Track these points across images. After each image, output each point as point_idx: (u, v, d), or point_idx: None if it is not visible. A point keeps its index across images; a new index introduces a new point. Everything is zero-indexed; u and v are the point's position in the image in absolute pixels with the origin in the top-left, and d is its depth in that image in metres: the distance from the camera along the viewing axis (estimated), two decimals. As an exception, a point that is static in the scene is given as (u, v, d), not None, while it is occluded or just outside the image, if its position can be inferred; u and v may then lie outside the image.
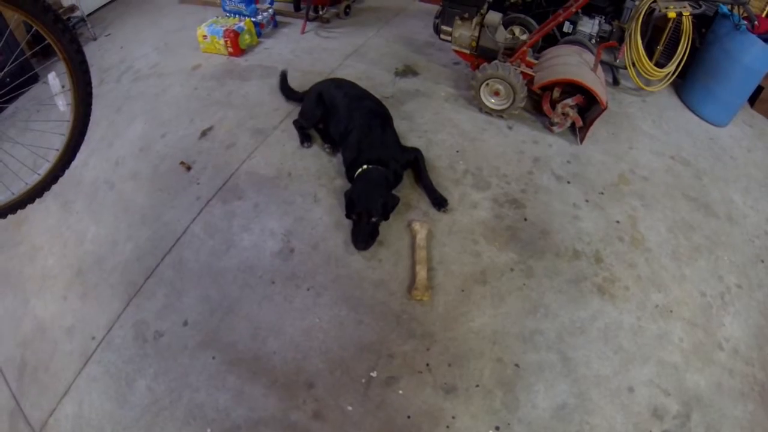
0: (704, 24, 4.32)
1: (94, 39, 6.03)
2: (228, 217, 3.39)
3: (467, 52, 4.12)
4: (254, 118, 4.18)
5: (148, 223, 3.47)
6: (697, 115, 4.38)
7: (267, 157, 3.79)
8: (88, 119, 2.46)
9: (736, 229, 3.41)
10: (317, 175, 3.61)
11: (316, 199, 3.45)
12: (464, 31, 4.02)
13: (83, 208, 3.71)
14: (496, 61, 3.82)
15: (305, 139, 3.85)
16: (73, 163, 3.73)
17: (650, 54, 4.38)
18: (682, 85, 4.56)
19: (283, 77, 4.37)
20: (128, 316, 3.05)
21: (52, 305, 3.20)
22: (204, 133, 4.10)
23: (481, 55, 4.03)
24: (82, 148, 4.00)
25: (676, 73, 4.33)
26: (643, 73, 4.26)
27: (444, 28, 4.09)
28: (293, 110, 4.17)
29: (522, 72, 3.84)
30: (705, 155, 3.93)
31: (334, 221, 3.30)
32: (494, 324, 2.81)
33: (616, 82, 4.62)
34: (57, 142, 2.67)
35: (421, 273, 2.94)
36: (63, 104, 2.31)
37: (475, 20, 3.96)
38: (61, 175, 2.68)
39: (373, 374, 2.66)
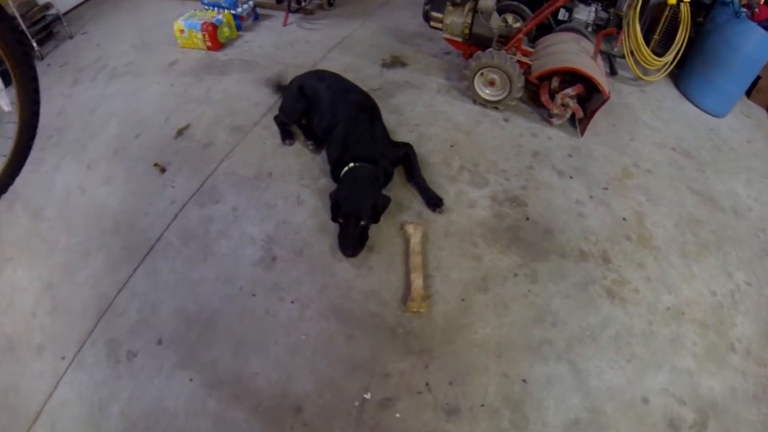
0: (698, 13, 4.15)
1: (71, 37, 5.75)
2: (205, 222, 3.08)
3: (459, 40, 3.85)
4: (233, 115, 3.87)
5: (121, 230, 3.17)
6: (696, 106, 4.21)
7: (246, 156, 3.49)
8: (37, 120, 2.12)
9: (741, 222, 3.24)
10: (300, 175, 3.31)
11: (299, 200, 3.13)
12: (456, 18, 3.74)
13: (54, 215, 3.40)
14: (490, 49, 3.52)
15: (287, 136, 3.53)
16: (44, 168, 3.68)
17: (647, 43, 4.15)
18: (679, 75, 4.40)
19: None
20: (99, 333, 2.73)
21: (21, 322, 2.88)
22: (180, 132, 3.80)
23: (475, 43, 3.76)
24: (52, 152, 3.87)
25: (675, 63, 4.16)
26: (642, 63, 4.07)
27: (434, 14, 3.80)
28: (274, 105, 3.91)
29: (518, 61, 3.54)
30: (706, 147, 3.78)
31: (318, 224, 2.98)
32: (498, 335, 2.55)
33: (613, 72, 4.40)
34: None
35: (417, 281, 2.63)
36: (6, 104, 1.99)
37: (467, 6, 3.69)
38: (10, 183, 2.31)
39: (367, 396, 2.37)
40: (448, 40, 3.93)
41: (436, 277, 2.73)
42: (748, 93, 4.37)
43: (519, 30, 3.62)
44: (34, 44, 5.21)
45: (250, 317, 2.65)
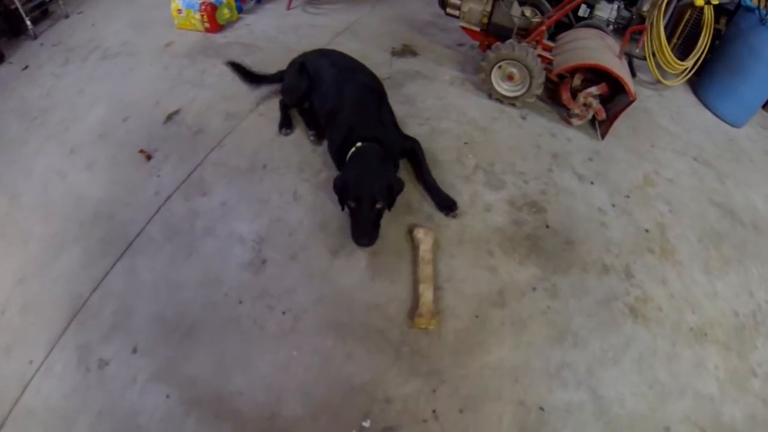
0: (717, 19, 3.92)
1: (66, 17, 5.52)
2: (190, 217, 2.77)
3: (477, 29, 3.55)
4: (227, 100, 3.56)
5: (101, 222, 2.88)
6: (714, 114, 3.99)
7: (239, 145, 3.19)
8: None
9: (762, 239, 3.05)
10: (299, 168, 3.00)
11: (296, 196, 2.81)
12: (475, 5, 3.46)
13: (31, 202, 3.14)
14: (511, 40, 3.19)
15: (285, 123, 3.24)
16: (26, 150, 3.50)
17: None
18: (697, 82, 4.15)
19: (238, 66, 3.67)
20: (70, 337, 2.46)
21: None
22: (170, 117, 3.50)
23: (493, 33, 3.49)
24: (36, 133, 3.60)
25: (695, 68, 3.92)
26: (663, 66, 3.78)
27: (452, 1, 3.41)
28: (271, 92, 3.60)
29: (539, 55, 3.21)
30: (726, 157, 3.58)
31: (317, 224, 2.67)
32: (515, 357, 2.29)
33: (633, 74, 4.05)
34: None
35: (426, 294, 2.32)
36: None
37: None
38: None
39: (366, 424, 2.10)
40: (464, 29, 3.64)
41: (447, 290, 2.44)
42: (764, 104, 4.15)
43: (542, 22, 3.30)
44: (28, 23, 5.01)
45: (235, 328, 2.35)
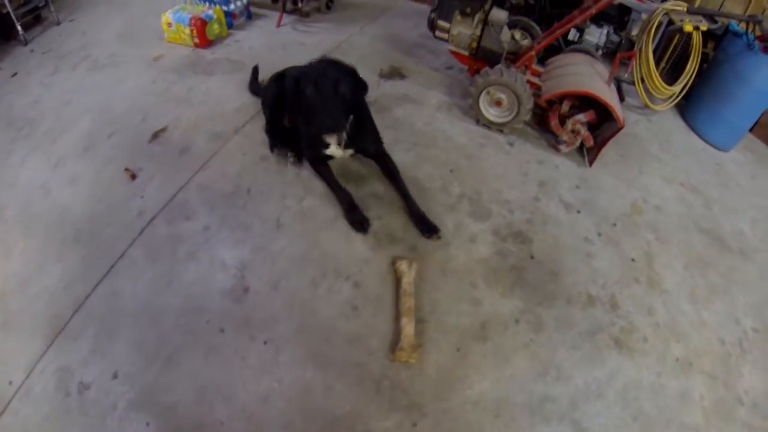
0: (705, 43, 3.96)
1: (58, 23, 5.51)
2: (173, 240, 2.72)
3: (465, 53, 3.52)
4: (214, 119, 3.52)
5: (82, 241, 2.83)
6: (702, 138, 4.01)
7: (224, 167, 3.14)
8: None
9: (749, 265, 3.05)
10: (282, 194, 2.94)
11: (279, 224, 2.76)
12: (464, 29, 3.44)
13: (14, 216, 3.10)
14: (500, 66, 3.18)
15: (274, 142, 3.18)
16: (11, 161, 3.51)
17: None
18: (686, 106, 4.19)
19: (255, 74, 3.72)
20: (51, 358, 2.41)
21: None
22: (156, 135, 3.46)
23: (482, 58, 3.47)
24: (22, 143, 3.57)
25: (683, 93, 3.98)
26: (652, 91, 3.85)
27: (440, 23, 3.49)
28: (256, 113, 3.58)
29: (528, 81, 3.22)
30: (713, 182, 3.60)
31: (299, 253, 2.62)
32: (497, 391, 2.24)
33: (621, 98, 4.02)
34: None
35: (408, 328, 2.27)
36: None
37: (477, 17, 3.36)
38: None
39: None
40: (453, 53, 3.62)
41: (429, 323, 2.39)
42: (751, 128, 4.18)
43: (531, 47, 3.29)
44: (19, 29, 4.99)
45: (216, 357, 2.30)
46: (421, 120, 3.59)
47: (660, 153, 3.67)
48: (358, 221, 2.71)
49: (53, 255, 2.79)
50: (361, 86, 2.67)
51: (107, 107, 3.83)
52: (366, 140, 2.88)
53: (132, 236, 2.76)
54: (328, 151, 2.83)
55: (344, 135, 2.71)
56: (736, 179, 3.66)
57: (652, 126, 3.96)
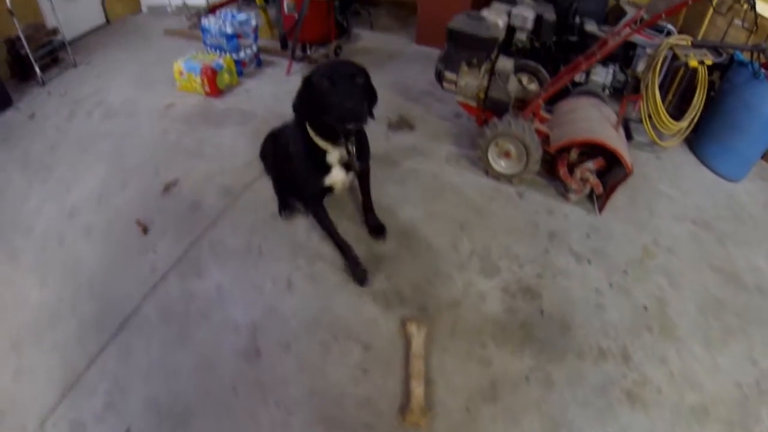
0: (711, 71, 3.91)
1: (74, 66, 5.68)
2: (186, 298, 2.75)
3: (473, 104, 3.51)
4: (224, 174, 3.58)
5: (96, 294, 2.85)
6: (712, 171, 3.98)
7: (235, 224, 3.19)
8: None
9: (765, 301, 2.96)
10: (293, 255, 2.97)
11: (290, 285, 2.78)
12: (471, 80, 3.46)
13: (30, 263, 3.12)
14: (508, 116, 3.23)
15: (282, 204, 3.22)
16: (28, 206, 3.52)
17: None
18: (694, 139, 4.15)
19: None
20: (64, 411, 2.39)
21: None
22: (167, 188, 3.52)
23: (490, 108, 3.48)
24: (38, 188, 3.64)
25: (692, 127, 3.93)
26: (659, 127, 3.81)
27: (448, 75, 3.51)
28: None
29: (536, 129, 3.27)
30: (725, 216, 3.55)
31: (311, 316, 2.63)
32: None
33: (629, 136, 4.11)
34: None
35: (417, 390, 2.28)
36: None
37: (484, 67, 3.38)
38: None
39: None
40: (461, 104, 3.65)
41: (438, 383, 2.39)
42: (763, 155, 4.13)
43: (538, 95, 3.32)
44: (37, 69, 5.14)
45: (228, 418, 2.31)
46: (430, 173, 3.63)
47: (670, 190, 3.66)
48: (360, 274, 2.81)
49: (68, 307, 2.81)
50: (373, 89, 2.61)
51: (120, 157, 3.90)
52: (361, 156, 2.80)
53: (145, 292, 2.79)
54: (330, 179, 2.72)
55: (352, 149, 2.64)
56: (749, 210, 3.62)
57: (662, 162, 3.95)
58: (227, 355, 2.49)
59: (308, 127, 2.56)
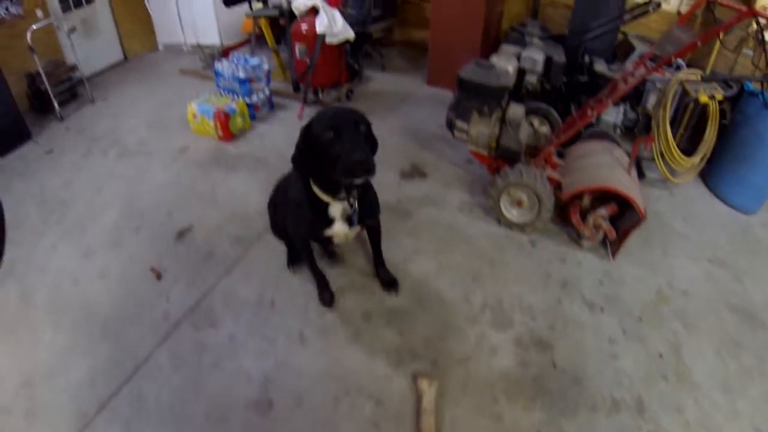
0: (723, 101, 3.89)
1: (92, 102, 5.87)
2: (198, 348, 2.78)
3: (485, 153, 3.55)
4: (237, 222, 3.63)
5: (109, 339, 2.89)
6: (726, 204, 3.96)
7: (248, 275, 3.22)
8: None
9: None
10: (305, 308, 2.99)
11: (302, 338, 2.80)
12: (483, 128, 3.50)
13: (44, 302, 3.17)
14: (519, 165, 3.27)
15: (292, 260, 3.24)
16: (42, 245, 3.59)
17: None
18: (707, 171, 4.14)
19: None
20: None
21: None
22: (181, 234, 3.58)
23: (502, 156, 3.50)
24: (53, 227, 3.71)
25: (704, 162, 3.93)
26: (672, 164, 3.79)
27: (459, 124, 3.54)
28: None
29: (548, 177, 3.30)
30: (741, 251, 3.51)
31: (322, 370, 2.64)
32: None
33: (641, 174, 4.10)
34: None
35: None
36: None
37: (495, 115, 3.41)
38: None
39: None
40: (472, 152, 3.69)
41: (450, 440, 2.40)
42: None
43: (549, 142, 3.35)
44: (56, 105, 5.34)
45: None
46: (443, 224, 3.64)
47: (684, 228, 3.64)
48: (327, 299, 2.97)
49: (80, 350, 2.85)
50: (373, 138, 2.48)
51: (135, 199, 3.97)
52: (369, 211, 2.73)
53: (158, 339, 2.82)
54: (331, 231, 2.64)
55: (354, 204, 2.54)
56: (765, 243, 3.61)
57: (675, 199, 3.94)
58: (239, 406, 2.50)
59: (310, 179, 2.47)
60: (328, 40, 4.73)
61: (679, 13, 4.71)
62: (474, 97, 3.39)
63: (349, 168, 2.16)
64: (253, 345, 2.76)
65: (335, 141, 2.19)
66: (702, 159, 3.85)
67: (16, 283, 3.24)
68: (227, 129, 4.56)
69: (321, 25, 4.59)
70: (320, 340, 2.79)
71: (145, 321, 2.95)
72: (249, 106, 4.87)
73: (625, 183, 3.12)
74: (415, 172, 4.18)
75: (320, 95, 5.25)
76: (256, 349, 2.74)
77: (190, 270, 3.27)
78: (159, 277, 3.22)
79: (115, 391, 2.61)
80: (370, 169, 2.19)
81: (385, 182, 3.98)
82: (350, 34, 4.86)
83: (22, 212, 3.86)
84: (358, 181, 2.26)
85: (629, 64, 4.25)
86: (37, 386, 2.69)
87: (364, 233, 3.01)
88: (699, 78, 3.56)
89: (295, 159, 2.38)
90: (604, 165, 3.30)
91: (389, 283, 3.05)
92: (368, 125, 2.36)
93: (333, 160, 2.20)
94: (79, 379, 2.70)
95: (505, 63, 3.80)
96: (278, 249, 3.35)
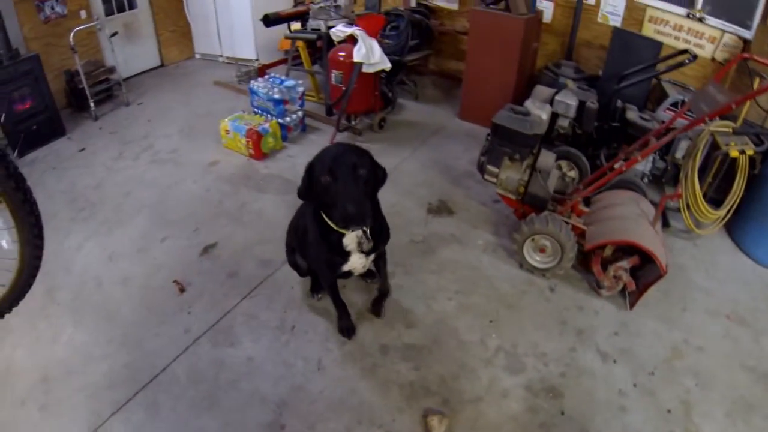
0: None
1: (127, 105, 6.11)
2: (216, 365, 2.88)
3: (513, 197, 3.65)
4: (263, 244, 3.77)
5: (129, 346, 3.02)
6: (750, 257, 3.94)
7: (271, 298, 3.34)
8: (39, 261, 2.29)
9: None
10: (325, 336, 3.09)
11: (320, 366, 2.90)
12: (512, 174, 3.58)
13: (66, 300, 3.33)
14: (546, 213, 3.37)
15: (315, 288, 3.32)
16: (69, 243, 3.79)
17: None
18: (733, 223, 4.09)
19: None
20: None
21: (7, 408, 2.72)
22: (206, 250, 3.72)
23: (529, 202, 3.57)
24: (80, 226, 3.89)
25: (729, 215, 3.88)
26: (697, 217, 3.75)
27: (490, 168, 3.62)
28: None
29: (573, 225, 3.39)
30: (762, 308, 3.47)
31: (337, 398, 2.73)
32: None
33: (666, 224, 4.15)
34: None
35: None
36: (7, 242, 1.98)
37: (526, 162, 3.51)
38: (7, 312, 2.37)
39: None
40: (500, 195, 3.77)
41: (455, 480, 2.46)
42: None
43: (576, 191, 3.45)
44: (92, 104, 5.61)
45: None
46: (466, 264, 3.71)
47: (706, 282, 3.64)
48: (346, 328, 3.06)
49: (99, 353, 2.97)
50: (380, 170, 2.52)
51: (163, 208, 4.13)
52: (382, 238, 2.81)
53: (176, 352, 2.94)
54: (348, 266, 2.73)
55: (368, 236, 2.62)
56: None
57: (698, 251, 3.95)
58: (251, 427, 2.59)
59: (321, 211, 2.55)
60: (365, 69, 4.84)
61: (713, 59, 4.80)
62: (506, 143, 3.48)
63: (343, 218, 2.25)
64: (271, 368, 2.86)
65: (332, 185, 2.28)
66: (728, 212, 3.83)
67: (40, 279, 3.22)
68: (259, 148, 4.69)
69: (359, 54, 4.74)
70: (337, 369, 2.87)
71: (166, 333, 3.07)
72: (282, 126, 5.00)
73: (648, 237, 3.18)
74: (442, 209, 4.26)
75: (353, 122, 5.35)
76: (273, 373, 2.84)
77: (213, 287, 3.38)
78: (182, 290, 3.35)
79: (131, 396, 2.72)
80: (363, 221, 2.28)
81: (413, 218, 4.11)
82: (387, 65, 4.97)
83: (51, 208, 4.03)
84: (352, 230, 2.40)
85: (661, 111, 4.35)
86: (53, 382, 2.82)
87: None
88: (731, 130, 3.58)
89: (301, 192, 2.49)
90: (629, 217, 3.37)
91: (376, 312, 3.18)
92: (369, 163, 2.40)
93: (330, 205, 2.33)
94: (96, 380, 2.83)
95: (539, 110, 3.90)
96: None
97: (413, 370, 2.87)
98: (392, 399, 2.72)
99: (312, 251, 2.84)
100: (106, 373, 2.86)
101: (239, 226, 3.94)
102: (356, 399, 2.71)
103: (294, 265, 3.26)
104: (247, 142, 4.68)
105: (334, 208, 2.29)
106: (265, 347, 2.98)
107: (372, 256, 2.78)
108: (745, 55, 3.16)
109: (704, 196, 3.78)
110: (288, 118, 5.07)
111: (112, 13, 6.52)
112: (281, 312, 3.21)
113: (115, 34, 6.01)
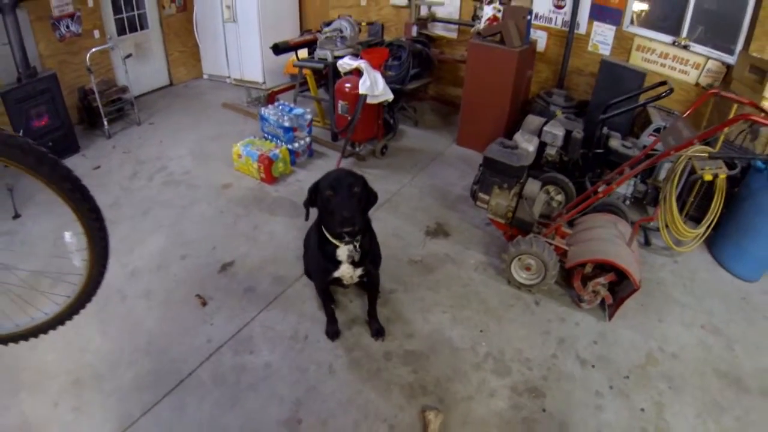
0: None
1: (138, 124, 6.39)
2: (237, 370, 3.28)
3: (502, 221, 4.11)
4: (276, 263, 4.19)
5: (153, 353, 3.38)
6: (728, 271, 4.33)
7: (285, 312, 3.74)
8: (102, 276, 2.42)
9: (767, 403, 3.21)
10: (335, 344, 3.50)
11: (331, 370, 3.32)
12: (501, 201, 4.04)
13: (92, 311, 3.40)
14: (531, 236, 3.80)
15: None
16: None
17: (681, 206, 4.29)
18: (713, 239, 4.50)
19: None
20: None
21: (42, 408, 3.03)
22: (224, 267, 4.09)
23: (516, 225, 4.02)
24: None
25: (707, 233, 4.24)
26: (676, 236, 4.06)
27: (481, 195, 4.11)
28: None
29: (555, 245, 3.82)
30: (737, 319, 3.84)
31: (346, 398, 3.14)
32: None
33: (647, 242, 4.57)
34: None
35: None
36: (79, 261, 2.32)
37: (513, 190, 3.98)
38: (68, 319, 2.61)
39: None
40: (491, 220, 4.20)
41: (448, 467, 2.86)
42: None
43: (560, 215, 3.91)
44: (105, 122, 5.84)
45: None
46: (460, 281, 4.11)
47: (683, 296, 3.99)
48: (332, 332, 3.53)
49: (126, 360, 3.30)
50: (371, 193, 3.08)
51: (180, 229, 4.49)
52: (370, 257, 3.28)
53: (201, 359, 3.31)
54: (338, 273, 3.20)
55: (357, 249, 3.12)
56: (763, 311, 3.91)
57: (678, 268, 4.31)
58: (271, 423, 2.98)
59: (322, 227, 3.13)
60: (369, 100, 5.20)
61: (697, 84, 5.17)
62: (496, 174, 3.95)
63: (339, 221, 2.85)
64: (287, 372, 3.26)
65: (333, 198, 2.88)
66: (706, 230, 4.14)
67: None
68: (269, 173, 5.07)
69: (364, 86, 5.11)
70: (346, 373, 3.28)
71: (190, 342, 3.43)
72: (291, 152, 5.37)
73: (623, 256, 3.57)
74: (439, 231, 4.73)
75: (357, 148, 5.71)
76: (289, 376, 3.23)
77: (232, 301, 3.77)
78: (204, 304, 3.72)
79: (159, 399, 3.07)
80: (354, 224, 2.85)
81: (412, 240, 4.59)
82: (389, 96, 5.42)
83: (71, 225, 4.32)
84: (345, 231, 2.92)
85: (645, 137, 4.77)
86: (84, 387, 3.13)
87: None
88: (707, 155, 3.94)
89: (306, 204, 3.08)
90: (607, 239, 3.76)
91: (377, 332, 3.57)
92: (363, 185, 2.98)
93: (330, 213, 2.91)
94: (124, 384, 3.15)
95: (526, 143, 4.36)
96: (314, 291, 3.79)
97: (412, 373, 3.29)
98: (394, 398, 3.13)
99: (311, 258, 3.49)
100: (134, 378, 3.18)
101: (254, 246, 4.30)
102: (363, 398, 3.11)
103: (308, 275, 3.82)
104: (259, 166, 5.03)
105: (333, 216, 2.88)
106: (281, 354, 3.37)
107: (359, 270, 3.23)
108: (713, 91, 3.54)
109: (686, 214, 4.15)
110: (296, 144, 5.43)
111: (124, 33, 6.89)
112: (295, 323, 3.63)
113: (129, 56, 6.33)
